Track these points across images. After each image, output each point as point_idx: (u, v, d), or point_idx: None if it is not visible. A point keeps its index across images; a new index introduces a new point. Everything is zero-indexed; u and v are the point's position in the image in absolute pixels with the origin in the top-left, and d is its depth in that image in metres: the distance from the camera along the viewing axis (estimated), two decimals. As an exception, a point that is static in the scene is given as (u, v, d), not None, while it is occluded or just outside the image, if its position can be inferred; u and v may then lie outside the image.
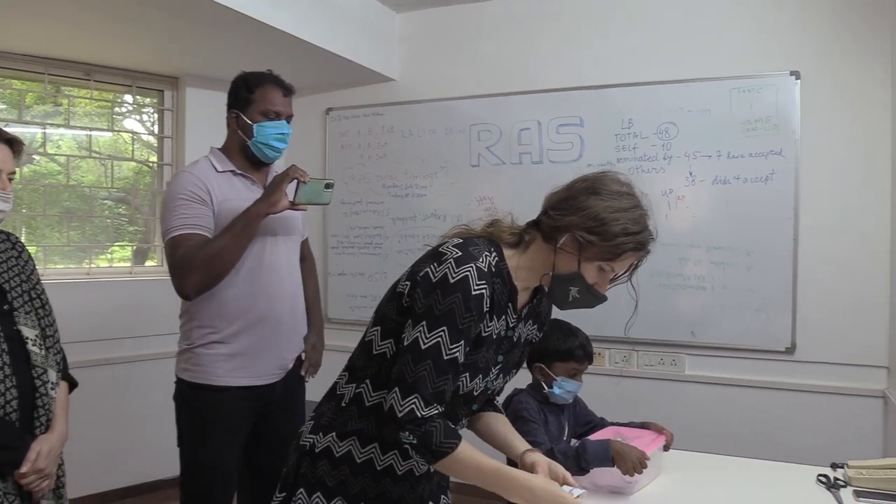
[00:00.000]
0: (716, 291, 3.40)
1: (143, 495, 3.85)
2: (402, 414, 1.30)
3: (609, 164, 3.56)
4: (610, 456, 1.82)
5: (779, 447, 3.17)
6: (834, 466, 2.05)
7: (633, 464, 1.80)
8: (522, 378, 2.08)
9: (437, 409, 1.32)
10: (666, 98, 3.49)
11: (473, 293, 1.32)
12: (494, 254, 1.40)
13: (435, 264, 1.35)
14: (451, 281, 1.32)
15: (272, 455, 2.33)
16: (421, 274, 1.36)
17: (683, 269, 3.45)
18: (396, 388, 1.32)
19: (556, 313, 1.66)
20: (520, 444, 1.58)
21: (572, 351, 2.22)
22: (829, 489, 1.91)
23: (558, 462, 1.86)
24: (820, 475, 1.99)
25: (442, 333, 1.31)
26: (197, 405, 2.25)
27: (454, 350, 1.32)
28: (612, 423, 2.29)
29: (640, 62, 3.56)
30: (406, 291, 1.39)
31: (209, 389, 2.22)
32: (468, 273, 1.32)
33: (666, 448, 2.11)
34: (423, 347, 1.31)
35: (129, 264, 4.06)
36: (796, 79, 3.26)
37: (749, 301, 3.34)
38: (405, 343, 1.34)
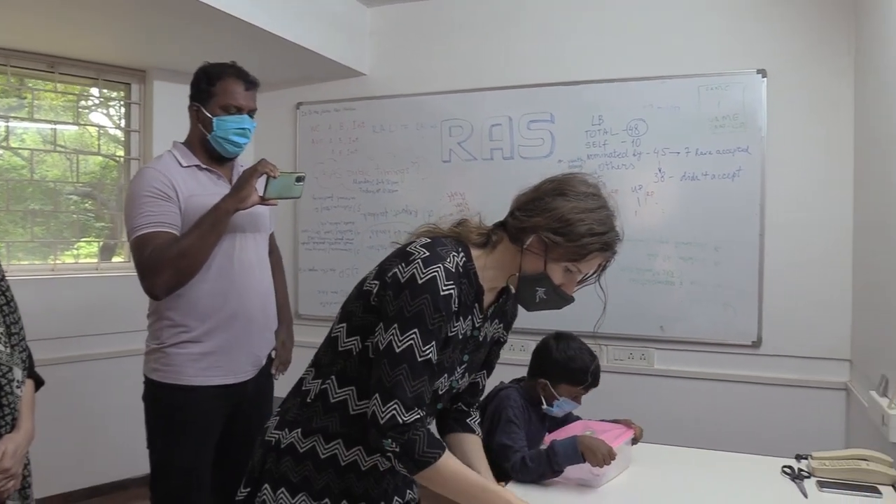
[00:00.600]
0: (684, 286, 3.45)
1: (110, 494, 3.80)
2: (384, 420, 1.29)
3: (579, 161, 3.59)
4: (579, 452, 1.84)
5: (745, 439, 3.22)
6: (798, 458, 2.10)
7: (603, 455, 1.82)
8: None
9: (419, 413, 1.31)
10: (636, 95, 3.52)
11: (442, 294, 1.32)
12: (462, 254, 1.40)
13: (403, 264, 1.35)
14: (420, 282, 1.32)
15: (242, 453, 2.31)
16: (389, 274, 1.36)
17: (653, 265, 3.48)
18: (377, 395, 1.31)
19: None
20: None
21: (583, 377, 2.17)
22: (793, 480, 1.96)
23: (530, 469, 1.88)
24: (785, 466, 2.04)
25: (414, 336, 1.31)
26: (169, 406, 2.20)
27: (427, 351, 1.32)
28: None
29: (610, 59, 3.58)
30: (375, 291, 1.39)
31: (181, 389, 2.18)
32: (436, 274, 1.32)
33: (635, 441, 2.13)
34: (398, 351, 1.30)
35: (95, 260, 4.00)
36: (763, 77, 3.31)
37: (716, 296, 3.39)
38: (380, 347, 1.33)
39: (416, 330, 1.31)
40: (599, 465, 1.82)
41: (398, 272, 1.34)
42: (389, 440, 1.30)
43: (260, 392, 2.39)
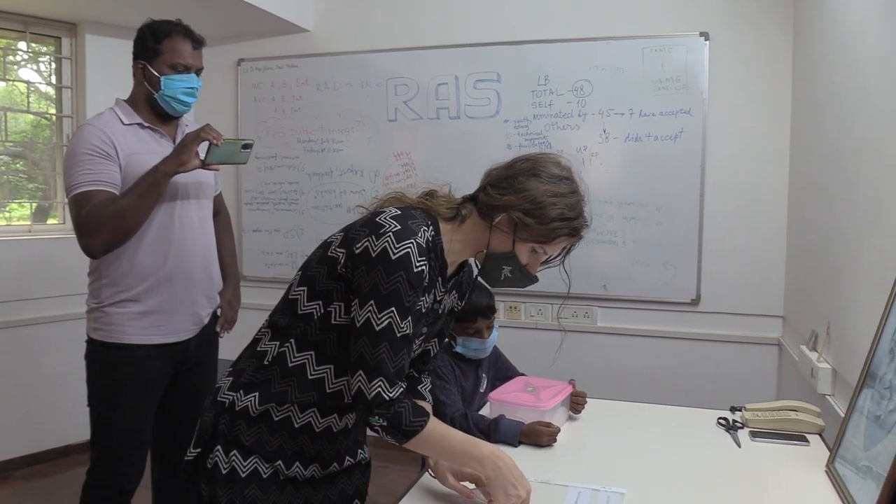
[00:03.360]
0: (627, 246, 3.51)
1: (52, 461, 3.73)
2: (371, 397, 1.31)
3: (525, 121, 3.60)
4: (517, 438, 1.88)
5: (683, 393, 3.33)
6: (733, 409, 2.18)
7: (547, 439, 1.87)
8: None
9: (401, 387, 1.34)
10: (581, 56, 3.53)
11: (415, 270, 1.32)
12: (431, 228, 1.39)
13: (374, 237, 1.32)
14: (393, 258, 1.30)
15: (184, 410, 2.31)
16: (359, 247, 1.33)
17: (596, 225, 3.50)
18: (361, 372, 1.32)
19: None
20: None
21: (463, 311, 2.19)
22: (727, 431, 2.03)
23: (470, 427, 1.92)
24: (720, 418, 2.11)
25: (392, 313, 1.31)
26: (109, 364, 2.20)
27: (405, 327, 1.33)
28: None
29: (556, 19, 3.58)
30: (341, 261, 1.37)
31: (121, 348, 2.18)
32: (409, 250, 1.31)
33: (580, 408, 2.15)
34: (378, 329, 1.31)
35: (28, 223, 3.85)
36: (705, 40, 3.35)
37: (658, 255, 3.47)
38: (358, 323, 1.33)
39: (393, 308, 1.31)
40: (546, 445, 1.87)
41: (369, 245, 1.32)
42: (377, 416, 1.32)
43: (204, 351, 2.39)
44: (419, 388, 1.65)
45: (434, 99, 3.78)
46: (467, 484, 1.48)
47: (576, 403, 2.14)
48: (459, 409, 2.01)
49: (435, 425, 1.37)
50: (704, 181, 3.39)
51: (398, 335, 1.32)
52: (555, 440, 1.89)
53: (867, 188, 2.08)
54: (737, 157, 3.36)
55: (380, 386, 1.31)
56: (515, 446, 1.88)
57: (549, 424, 1.90)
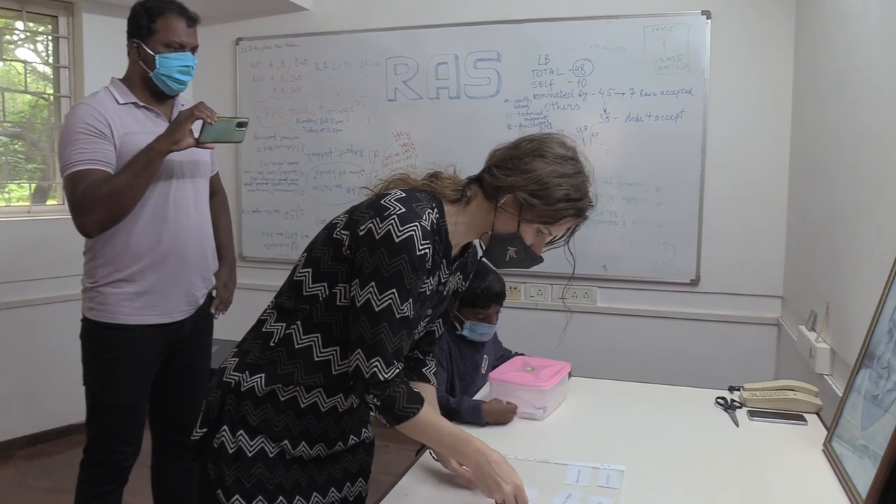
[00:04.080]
0: (627, 227, 3.51)
1: (54, 441, 3.75)
2: (368, 376, 1.32)
3: (526, 101, 3.59)
4: (482, 417, 1.90)
5: (682, 373, 3.34)
6: (731, 389, 2.19)
7: (506, 419, 1.90)
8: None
9: (398, 368, 1.35)
10: (582, 34, 3.50)
11: (418, 253, 1.32)
12: (436, 210, 1.39)
13: (378, 219, 1.32)
14: (396, 240, 1.30)
15: (179, 389, 2.34)
16: (363, 229, 1.34)
17: (597, 205, 3.51)
18: (360, 350, 1.33)
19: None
20: None
21: (477, 296, 2.20)
22: (725, 410, 2.05)
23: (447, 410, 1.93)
24: (718, 397, 2.13)
25: (392, 295, 1.31)
26: (104, 344, 2.20)
27: (405, 308, 1.33)
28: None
29: (556, -3, 3.55)
30: (346, 243, 1.37)
31: (116, 328, 2.18)
32: (413, 233, 1.31)
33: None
34: (377, 309, 1.31)
35: (27, 204, 3.85)
36: (707, 18, 3.32)
37: (658, 236, 3.47)
38: (356, 303, 1.34)
39: (394, 290, 1.31)
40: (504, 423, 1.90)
41: (373, 228, 1.32)
42: (372, 396, 1.34)
43: (198, 331, 2.39)
44: (423, 370, 1.66)
45: (434, 78, 3.76)
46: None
47: None
48: (443, 394, 2.02)
49: (427, 414, 1.39)
50: (705, 161, 3.38)
51: (398, 316, 1.33)
52: (514, 414, 1.91)
53: (867, 169, 2.08)
54: (737, 137, 3.35)
55: (376, 366, 1.32)
56: (482, 426, 1.89)
57: (509, 402, 1.92)
